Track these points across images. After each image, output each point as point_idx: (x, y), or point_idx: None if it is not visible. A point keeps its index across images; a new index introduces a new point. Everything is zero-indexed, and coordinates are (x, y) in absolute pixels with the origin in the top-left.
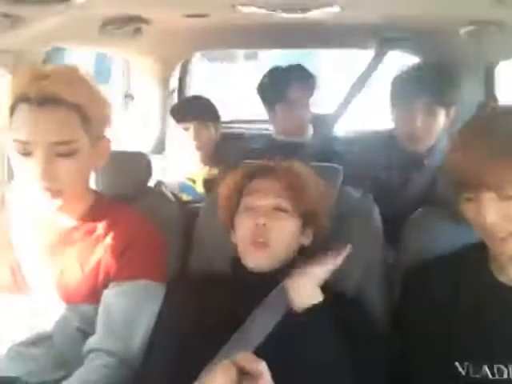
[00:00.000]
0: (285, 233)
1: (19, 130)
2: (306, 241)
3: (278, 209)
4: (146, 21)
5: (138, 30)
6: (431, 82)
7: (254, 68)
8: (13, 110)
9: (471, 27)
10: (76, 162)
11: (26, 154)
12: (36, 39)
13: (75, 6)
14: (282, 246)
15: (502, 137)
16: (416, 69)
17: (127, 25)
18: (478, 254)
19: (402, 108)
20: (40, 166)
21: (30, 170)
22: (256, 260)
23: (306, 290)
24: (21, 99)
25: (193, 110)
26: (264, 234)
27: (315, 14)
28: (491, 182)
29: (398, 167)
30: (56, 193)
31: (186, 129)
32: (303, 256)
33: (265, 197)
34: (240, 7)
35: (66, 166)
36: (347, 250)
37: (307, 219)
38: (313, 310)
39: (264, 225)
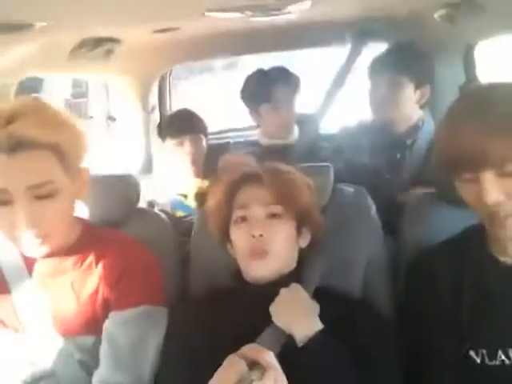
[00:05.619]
0: (282, 239)
1: None
2: (304, 242)
3: (272, 215)
4: (116, 40)
5: (109, 51)
6: (396, 57)
7: (233, 77)
8: None
9: (444, 10)
10: (58, 202)
11: (3, 202)
12: (3, 72)
13: (36, 31)
14: (282, 252)
15: (500, 110)
16: (386, 51)
17: (97, 47)
18: (477, 237)
19: (370, 85)
20: (23, 211)
21: (10, 219)
22: (258, 270)
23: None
24: None
25: (185, 124)
26: (262, 244)
27: (286, 12)
28: (491, 159)
29: (382, 149)
30: (44, 238)
31: (181, 143)
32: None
33: (256, 206)
34: (208, 13)
35: (49, 207)
36: None
37: (302, 220)
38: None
39: (261, 235)
